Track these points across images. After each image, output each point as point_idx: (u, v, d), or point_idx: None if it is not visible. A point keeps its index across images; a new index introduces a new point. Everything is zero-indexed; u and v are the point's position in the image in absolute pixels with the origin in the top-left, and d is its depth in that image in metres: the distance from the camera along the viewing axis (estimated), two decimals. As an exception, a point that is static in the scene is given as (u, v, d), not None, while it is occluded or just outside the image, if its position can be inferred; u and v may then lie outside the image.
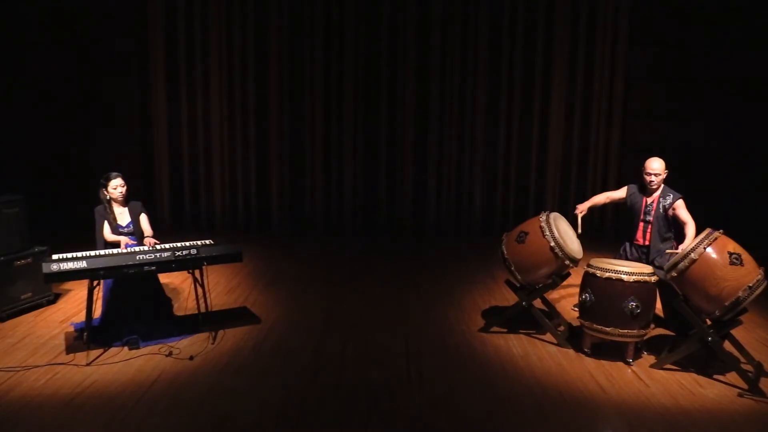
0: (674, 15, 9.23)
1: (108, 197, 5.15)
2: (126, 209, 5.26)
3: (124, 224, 5.20)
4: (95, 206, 5.23)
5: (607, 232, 9.45)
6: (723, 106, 9.36)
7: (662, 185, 5.17)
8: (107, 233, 5.13)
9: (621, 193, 5.42)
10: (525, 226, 5.20)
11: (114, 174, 5.18)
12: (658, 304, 5.01)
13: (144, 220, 5.30)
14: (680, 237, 5.00)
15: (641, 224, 5.19)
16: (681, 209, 5.07)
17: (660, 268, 4.84)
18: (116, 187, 5.13)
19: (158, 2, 9.11)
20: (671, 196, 5.10)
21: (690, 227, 4.98)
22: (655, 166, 5.13)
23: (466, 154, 9.56)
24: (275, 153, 9.52)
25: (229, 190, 9.61)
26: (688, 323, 4.65)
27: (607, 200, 5.56)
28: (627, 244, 5.33)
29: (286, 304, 6.04)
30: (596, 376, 4.54)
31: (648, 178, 5.14)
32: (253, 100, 9.41)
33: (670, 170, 5.23)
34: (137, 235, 5.21)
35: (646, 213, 5.17)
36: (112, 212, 5.17)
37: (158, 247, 4.96)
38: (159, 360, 4.68)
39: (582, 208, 5.39)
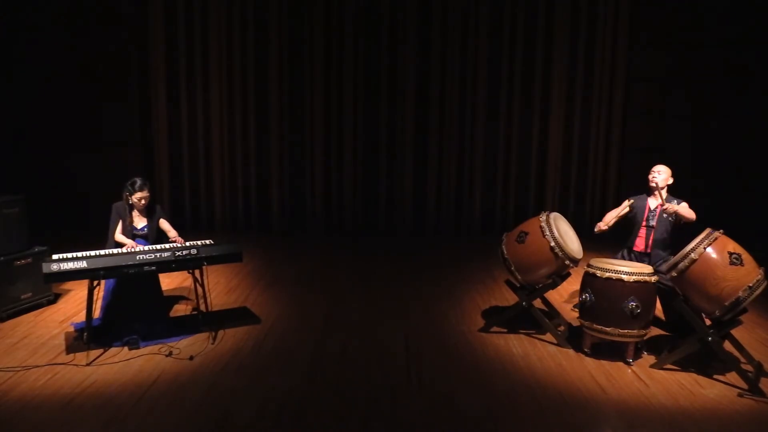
0: (674, 14, 9.24)
1: (130, 201, 5.16)
2: (144, 213, 5.27)
3: (139, 227, 5.22)
4: (107, 206, 5.22)
5: (607, 232, 9.43)
6: (723, 105, 9.37)
7: (667, 194, 5.18)
8: (117, 233, 5.14)
9: (624, 207, 5.37)
10: (525, 226, 5.20)
11: (140, 184, 5.14)
12: (659, 306, 5.01)
13: (164, 222, 5.32)
14: (681, 244, 4.96)
15: (643, 229, 5.18)
16: (685, 206, 5.09)
17: (662, 273, 4.83)
18: (140, 199, 5.14)
19: (158, 2, 9.12)
20: (676, 201, 5.13)
21: (691, 214, 5.04)
22: (661, 167, 5.21)
23: (466, 154, 9.57)
24: (275, 153, 9.53)
25: (229, 190, 9.63)
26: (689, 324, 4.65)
27: (617, 218, 5.39)
28: (625, 250, 5.32)
29: (286, 304, 6.04)
30: (596, 376, 4.53)
31: (650, 176, 5.18)
32: (253, 99, 9.42)
33: (670, 169, 5.24)
34: (151, 239, 5.21)
35: (650, 218, 5.17)
36: (131, 215, 5.18)
37: (158, 247, 4.96)
38: (159, 360, 4.68)
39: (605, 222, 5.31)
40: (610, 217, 5.38)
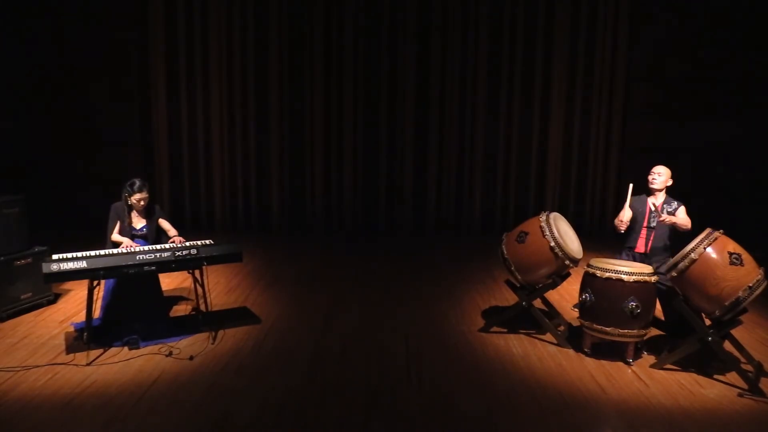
0: (674, 14, 9.25)
1: (129, 202, 5.16)
2: (143, 213, 5.27)
3: (138, 227, 5.22)
4: (107, 206, 5.21)
5: (607, 232, 9.45)
6: (723, 105, 9.37)
7: (665, 194, 5.19)
8: (114, 233, 5.13)
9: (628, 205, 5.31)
10: (525, 226, 5.20)
11: (139, 185, 5.12)
12: (658, 306, 5.01)
13: (164, 222, 5.33)
14: (680, 246, 4.96)
15: (644, 230, 5.18)
16: (682, 212, 5.13)
17: (662, 274, 4.83)
18: (139, 200, 5.14)
19: (158, 2, 9.12)
20: (675, 203, 5.17)
21: (685, 220, 5.07)
22: (660, 168, 5.24)
23: (466, 154, 9.57)
24: (275, 153, 9.53)
25: (229, 190, 9.63)
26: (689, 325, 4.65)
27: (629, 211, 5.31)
28: (624, 253, 5.32)
29: (286, 304, 6.04)
30: (596, 376, 4.53)
31: (650, 177, 5.21)
32: (253, 99, 9.42)
33: (671, 171, 5.24)
34: (150, 239, 5.21)
35: (650, 220, 5.17)
36: (129, 216, 5.18)
37: (158, 247, 4.96)
38: (159, 360, 4.68)
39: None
40: (626, 216, 5.29)
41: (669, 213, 5.14)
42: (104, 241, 5.17)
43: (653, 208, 5.19)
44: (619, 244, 5.45)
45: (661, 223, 5.08)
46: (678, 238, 5.09)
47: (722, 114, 9.39)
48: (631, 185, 5.29)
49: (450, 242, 9.18)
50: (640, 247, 5.21)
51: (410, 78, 9.36)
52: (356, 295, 6.42)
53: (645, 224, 5.19)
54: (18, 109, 9.27)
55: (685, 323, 4.64)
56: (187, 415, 3.92)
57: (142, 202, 5.16)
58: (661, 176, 5.18)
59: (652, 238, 5.17)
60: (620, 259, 5.32)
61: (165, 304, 5.61)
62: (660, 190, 5.20)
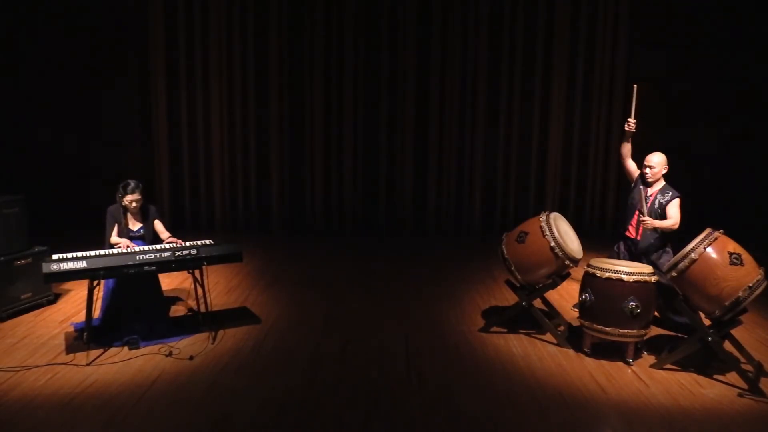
0: (674, 15, 9.25)
1: (122, 203, 5.15)
2: (139, 215, 5.27)
3: (134, 229, 5.21)
4: (107, 206, 5.20)
5: (608, 231, 9.45)
6: (723, 106, 9.37)
7: (663, 182, 5.17)
8: (113, 236, 5.13)
9: (634, 167, 5.36)
10: (525, 226, 5.20)
11: (132, 187, 5.10)
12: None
13: (158, 224, 5.32)
14: (682, 243, 4.94)
15: (637, 214, 5.16)
16: (673, 206, 5.05)
17: (657, 267, 4.82)
18: (132, 201, 5.11)
19: (158, 2, 9.12)
20: (670, 193, 5.10)
21: (670, 221, 5.01)
22: (654, 159, 5.16)
23: (466, 153, 9.57)
24: (275, 153, 9.53)
25: (229, 191, 9.62)
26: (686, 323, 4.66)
27: (628, 154, 5.44)
28: (621, 243, 5.33)
29: (286, 304, 6.04)
30: (596, 376, 4.53)
31: (643, 170, 5.17)
32: (253, 100, 9.42)
33: (670, 170, 5.23)
34: (147, 240, 5.21)
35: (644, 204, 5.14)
36: (125, 217, 5.17)
37: (158, 247, 4.96)
38: (159, 360, 4.68)
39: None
40: (626, 149, 5.46)
41: (661, 203, 5.08)
42: (103, 244, 5.16)
43: (647, 195, 5.14)
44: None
45: (642, 223, 5.04)
46: (678, 234, 5.07)
47: (722, 114, 9.38)
48: (635, 86, 5.27)
49: (450, 242, 9.18)
50: (632, 231, 5.19)
51: (410, 78, 9.35)
52: (356, 295, 6.42)
53: (639, 208, 5.14)
54: (18, 109, 9.26)
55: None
56: (187, 415, 3.92)
57: (134, 204, 5.14)
58: (654, 169, 5.12)
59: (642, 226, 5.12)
60: (617, 247, 5.32)
61: (165, 304, 5.61)
62: (656, 182, 5.17)
